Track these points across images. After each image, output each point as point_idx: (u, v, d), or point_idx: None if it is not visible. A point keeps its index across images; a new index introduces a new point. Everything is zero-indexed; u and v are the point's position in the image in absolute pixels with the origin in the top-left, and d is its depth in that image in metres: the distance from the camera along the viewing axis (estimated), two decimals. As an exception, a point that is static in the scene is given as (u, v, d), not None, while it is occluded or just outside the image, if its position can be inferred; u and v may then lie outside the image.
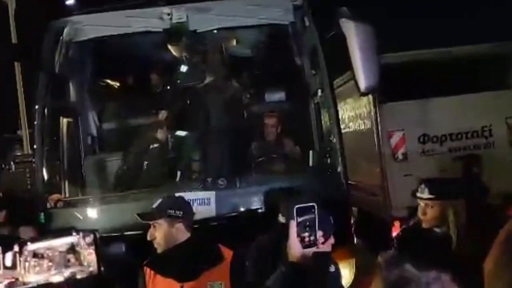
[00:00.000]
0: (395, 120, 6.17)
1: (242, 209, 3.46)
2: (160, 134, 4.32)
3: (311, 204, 1.56)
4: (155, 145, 4.26)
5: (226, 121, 4.11)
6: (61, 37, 3.94)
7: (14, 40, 8.76)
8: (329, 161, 3.85)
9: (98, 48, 4.39)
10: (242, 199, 3.52)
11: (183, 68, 4.39)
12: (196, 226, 2.80)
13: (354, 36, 3.23)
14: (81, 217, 3.61)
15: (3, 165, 8.01)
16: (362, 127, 6.93)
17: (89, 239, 1.13)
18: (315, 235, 1.54)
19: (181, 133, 4.41)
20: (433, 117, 6.20)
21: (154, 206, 2.41)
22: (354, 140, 6.74)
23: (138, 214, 2.44)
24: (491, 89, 6.24)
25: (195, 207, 3.36)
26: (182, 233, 2.35)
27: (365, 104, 6.70)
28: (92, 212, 3.71)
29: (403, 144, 6.09)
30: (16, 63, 8.57)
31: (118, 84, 5.09)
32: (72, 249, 1.10)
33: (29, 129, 8.99)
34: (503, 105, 6.17)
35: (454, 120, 6.16)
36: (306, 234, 1.55)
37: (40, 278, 1.05)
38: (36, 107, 3.74)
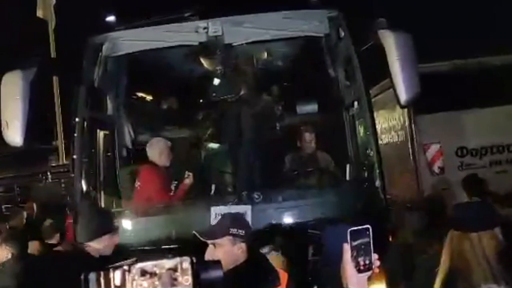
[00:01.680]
0: (431, 132, 6.00)
1: (278, 223, 3.40)
2: (195, 147, 4.33)
3: (366, 226, 1.49)
4: (190, 158, 4.27)
5: (260, 134, 4.08)
6: (100, 52, 4.03)
7: (53, 55, 9.06)
8: (366, 174, 3.75)
9: (134, 62, 4.46)
10: (279, 213, 3.46)
11: (217, 81, 4.40)
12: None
13: (394, 47, 3.16)
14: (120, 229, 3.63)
15: (40, 175, 8.24)
16: (396, 139, 6.76)
17: (186, 264, 1.09)
18: (370, 259, 1.47)
19: (215, 146, 4.42)
20: (471, 129, 6.00)
21: (213, 223, 2.32)
22: (388, 153, 6.57)
23: (198, 232, 2.31)
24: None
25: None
26: (242, 254, 2.25)
27: (399, 116, 6.55)
28: (127, 224, 3.74)
29: (439, 157, 5.91)
30: (54, 78, 8.85)
31: (153, 97, 5.17)
32: (178, 268, 1.09)
33: (65, 140, 9.23)
34: (546, 116, 5.90)
35: (494, 132, 5.94)
36: (361, 258, 1.48)
37: None
38: (76, 119, 3.81)
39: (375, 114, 6.95)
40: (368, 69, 3.83)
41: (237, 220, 2.34)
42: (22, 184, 8.41)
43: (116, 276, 1.05)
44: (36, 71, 3.25)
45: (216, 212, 3.41)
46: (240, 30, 3.95)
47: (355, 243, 1.48)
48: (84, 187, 3.84)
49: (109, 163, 4.56)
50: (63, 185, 7.83)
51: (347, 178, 3.95)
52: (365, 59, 3.81)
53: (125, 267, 1.06)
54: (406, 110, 6.13)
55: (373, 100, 6.47)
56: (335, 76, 4.30)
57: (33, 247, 4.26)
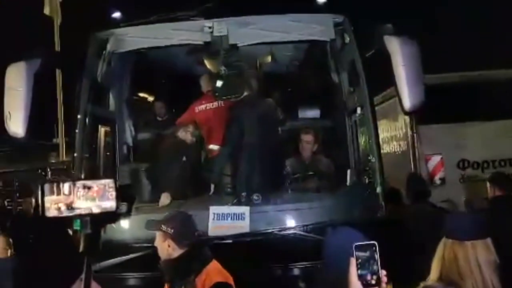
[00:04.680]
0: (432, 143, 5.98)
1: (276, 226, 3.36)
2: (195, 147, 4.31)
3: (371, 242, 1.47)
4: (190, 157, 4.24)
5: (261, 136, 4.06)
6: (105, 48, 4.03)
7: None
8: (367, 180, 3.72)
9: (138, 59, 4.46)
10: (277, 216, 3.43)
11: (220, 82, 4.39)
12: (229, 241, 2.75)
13: (400, 53, 3.15)
14: (114, 226, 3.60)
15: (39, 171, 8.20)
16: (398, 149, 6.74)
17: (112, 183, 1.55)
18: (378, 275, 1.44)
19: (215, 146, 4.39)
20: (474, 142, 5.98)
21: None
22: (389, 162, 6.55)
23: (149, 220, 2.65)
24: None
25: (229, 222, 3.31)
26: (172, 250, 2.43)
27: (401, 126, 6.53)
28: (125, 222, 3.70)
29: (441, 168, 5.88)
30: (57, 73, 8.86)
31: (156, 94, 5.15)
32: (107, 186, 1.53)
33: (65, 137, 9.20)
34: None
35: (496, 146, 5.92)
36: (367, 272, 1.45)
37: (87, 205, 1.52)
38: (78, 115, 3.79)
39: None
40: (372, 75, 3.82)
41: (172, 218, 2.53)
42: (21, 179, 8.39)
43: (65, 187, 1.51)
44: (40, 63, 3.25)
45: (214, 212, 3.38)
46: (245, 31, 3.94)
47: (360, 257, 1.46)
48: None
49: (109, 160, 4.54)
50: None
51: (347, 183, 3.91)
52: (369, 65, 3.80)
53: (71, 182, 1.52)
54: (408, 120, 6.12)
55: (376, 108, 6.54)
56: (339, 82, 4.29)
57: None
